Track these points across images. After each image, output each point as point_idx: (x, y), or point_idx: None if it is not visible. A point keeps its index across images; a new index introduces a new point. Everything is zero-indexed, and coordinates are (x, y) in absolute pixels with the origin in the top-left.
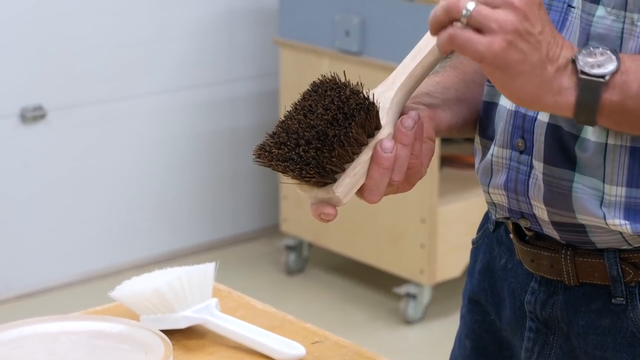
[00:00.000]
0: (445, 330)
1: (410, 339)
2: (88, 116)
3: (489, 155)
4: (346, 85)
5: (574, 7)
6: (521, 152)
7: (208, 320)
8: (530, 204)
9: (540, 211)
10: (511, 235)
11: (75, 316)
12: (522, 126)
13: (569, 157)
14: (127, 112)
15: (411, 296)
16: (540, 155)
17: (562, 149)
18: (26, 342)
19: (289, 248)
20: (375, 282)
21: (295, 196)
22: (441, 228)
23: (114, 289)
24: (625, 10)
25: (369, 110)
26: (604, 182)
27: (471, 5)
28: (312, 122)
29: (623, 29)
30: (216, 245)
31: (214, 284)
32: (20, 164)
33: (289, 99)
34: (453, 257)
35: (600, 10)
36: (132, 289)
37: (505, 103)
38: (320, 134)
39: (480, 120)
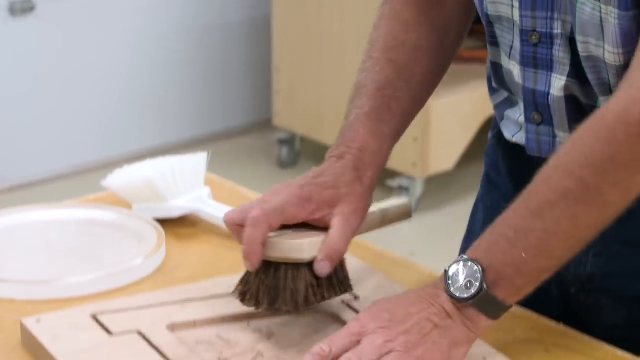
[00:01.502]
0: (437, 223)
1: (402, 231)
2: (77, 8)
3: (506, 114)
4: None
5: None
6: (539, 124)
7: (200, 209)
8: None
9: None
10: None
11: (67, 205)
12: (534, 101)
13: None
14: (117, 4)
15: (403, 189)
16: (565, 126)
17: (585, 117)
18: (18, 231)
19: (282, 142)
20: None
21: (287, 90)
22: (434, 121)
23: (106, 179)
24: (599, 2)
25: None
26: None
27: None
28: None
29: (601, 17)
30: (208, 139)
31: (206, 174)
32: (9, 58)
33: None
34: (446, 151)
35: None
36: (124, 178)
37: (508, 66)
38: None
39: (490, 76)
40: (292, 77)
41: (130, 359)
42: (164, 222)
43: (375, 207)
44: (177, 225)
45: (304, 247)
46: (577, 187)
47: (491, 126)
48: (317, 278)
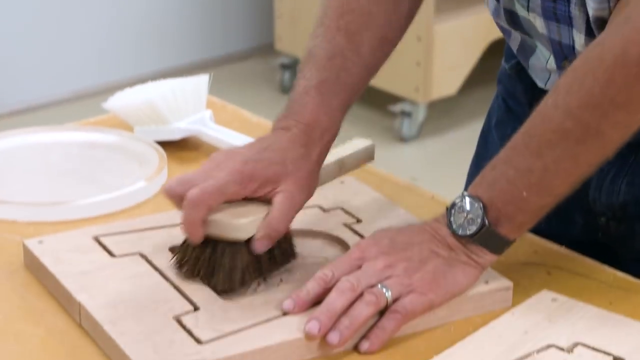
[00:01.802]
0: (439, 148)
1: (404, 156)
2: None
3: (531, 64)
4: None
5: None
6: None
7: (202, 132)
8: None
9: None
10: None
11: (68, 127)
12: (562, 51)
13: None
14: None
15: (406, 114)
16: None
17: None
18: (19, 153)
19: (284, 66)
20: (370, 100)
21: (290, 15)
22: (437, 46)
23: (107, 101)
24: None
25: None
26: None
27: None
28: None
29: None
30: (208, 64)
31: (208, 96)
32: None
33: None
34: (448, 75)
35: None
36: (126, 100)
37: (526, 16)
38: None
39: (504, 24)
40: (294, 0)
41: (132, 281)
42: (166, 145)
43: (333, 156)
44: (178, 148)
45: (242, 226)
46: (577, 128)
47: (504, 55)
48: (256, 255)
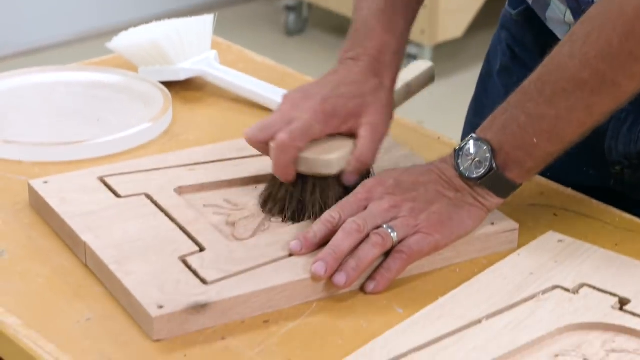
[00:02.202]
0: (445, 92)
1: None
2: None
3: (548, 17)
4: None
5: None
6: None
7: (207, 72)
8: None
9: None
10: None
11: (72, 67)
12: (579, 7)
13: None
14: None
15: (412, 57)
16: None
17: None
18: (23, 92)
19: (289, 8)
20: None
21: None
22: None
23: (111, 41)
24: None
25: None
26: None
27: (394, 236)
28: None
29: None
30: (213, 5)
31: (213, 37)
32: None
33: None
34: (454, 18)
35: None
36: (130, 40)
37: None
38: None
39: None
40: None
41: (137, 222)
42: (171, 85)
43: (399, 80)
44: (183, 89)
45: (332, 162)
46: (593, 79)
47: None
48: (344, 188)
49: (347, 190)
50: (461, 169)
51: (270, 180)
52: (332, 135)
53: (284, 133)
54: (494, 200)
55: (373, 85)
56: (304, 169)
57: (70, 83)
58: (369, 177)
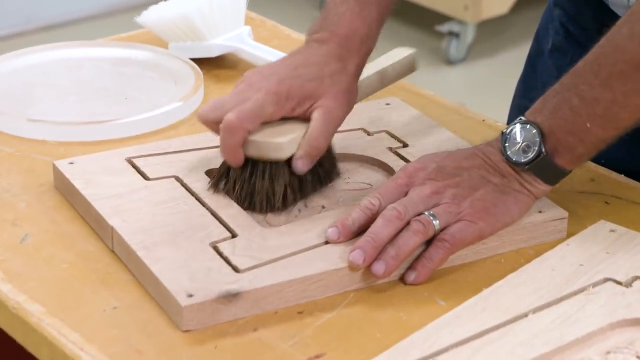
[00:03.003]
0: (489, 71)
1: (451, 79)
2: None
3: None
4: None
5: None
6: None
7: (240, 49)
8: None
9: None
10: None
11: (99, 42)
12: None
13: None
14: None
15: (454, 34)
16: None
17: None
18: (49, 68)
19: None
20: (415, 19)
21: None
22: None
23: (140, 16)
24: None
25: None
26: None
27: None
28: None
29: None
30: None
31: (246, 12)
32: None
33: None
34: None
35: None
36: (160, 14)
37: None
38: None
39: None
40: None
41: (167, 206)
42: (202, 62)
43: (374, 67)
44: (215, 66)
45: (282, 145)
46: None
47: None
48: (298, 175)
49: (299, 177)
50: (508, 153)
51: (221, 164)
52: (286, 119)
53: (233, 113)
54: (542, 187)
55: (334, 68)
56: (252, 152)
57: (97, 59)
58: (331, 163)
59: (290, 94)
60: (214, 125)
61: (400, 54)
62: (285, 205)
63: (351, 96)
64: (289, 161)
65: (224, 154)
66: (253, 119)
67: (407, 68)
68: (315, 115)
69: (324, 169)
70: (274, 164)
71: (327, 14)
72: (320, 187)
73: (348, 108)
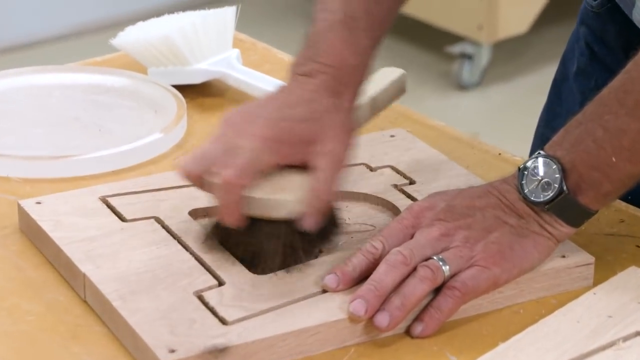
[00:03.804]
0: (505, 98)
1: (464, 106)
2: None
3: (634, 14)
4: None
5: None
6: None
7: (228, 74)
8: None
9: None
10: None
11: (71, 67)
12: None
13: None
14: None
15: (467, 56)
16: None
17: None
18: (13, 96)
19: None
20: (424, 39)
21: None
22: None
23: (116, 38)
24: None
25: None
26: None
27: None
28: None
29: None
30: None
31: (235, 33)
32: None
33: None
34: (518, 11)
35: None
36: (138, 36)
37: None
38: None
39: None
40: None
41: (146, 250)
42: (185, 89)
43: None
44: (200, 94)
45: (286, 203)
46: None
47: None
48: (300, 233)
49: (303, 236)
50: (525, 191)
51: (214, 224)
52: (283, 169)
53: (230, 169)
54: (565, 229)
55: (328, 105)
56: (253, 211)
57: (67, 86)
58: (332, 217)
59: (283, 138)
60: (197, 179)
61: (389, 75)
62: (285, 266)
63: (351, 134)
64: (290, 219)
65: (223, 215)
66: (249, 174)
67: (397, 92)
68: (320, 164)
69: (328, 229)
70: (275, 223)
71: (313, 43)
72: (324, 243)
73: (351, 150)
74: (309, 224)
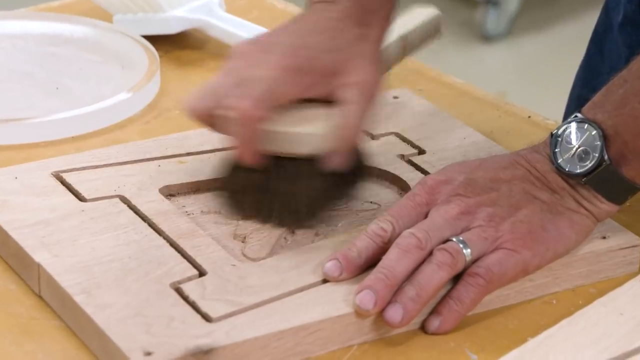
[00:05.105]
0: (537, 51)
1: (489, 60)
2: None
3: None
4: None
5: None
6: None
7: (208, 23)
8: None
9: None
10: None
11: (22, 14)
12: None
13: None
14: None
15: (492, 3)
16: None
17: None
18: None
19: None
20: None
21: None
22: None
23: None
24: None
25: None
26: None
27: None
28: None
29: None
30: None
31: None
32: None
33: None
34: None
35: None
36: None
37: None
38: None
39: None
40: None
41: (111, 235)
42: (158, 41)
43: (392, 31)
44: (176, 46)
45: (307, 137)
46: None
47: None
48: (325, 175)
49: (326, 178)
50: (559, 161)
51: (228, 171)
52: (304, 103)
53: (247, 100)
54: (605, 206)
55: (354, 35)
56: (271, 147)
57: (18, 36)
58: (363, 164)
59: (304, 68)
60: (207, 117)
61: (422, 14)
62: (314, 214)
63: (380, 69)
64: (312, 157)
65: (241, 152)
66: (270, 105)
67: (432, 32)
68: (347, 96)
69: (358, 168)
70: (292, 161)
71: None
72: (352, 191)
73: (379, 83)
74: (337, 162)
